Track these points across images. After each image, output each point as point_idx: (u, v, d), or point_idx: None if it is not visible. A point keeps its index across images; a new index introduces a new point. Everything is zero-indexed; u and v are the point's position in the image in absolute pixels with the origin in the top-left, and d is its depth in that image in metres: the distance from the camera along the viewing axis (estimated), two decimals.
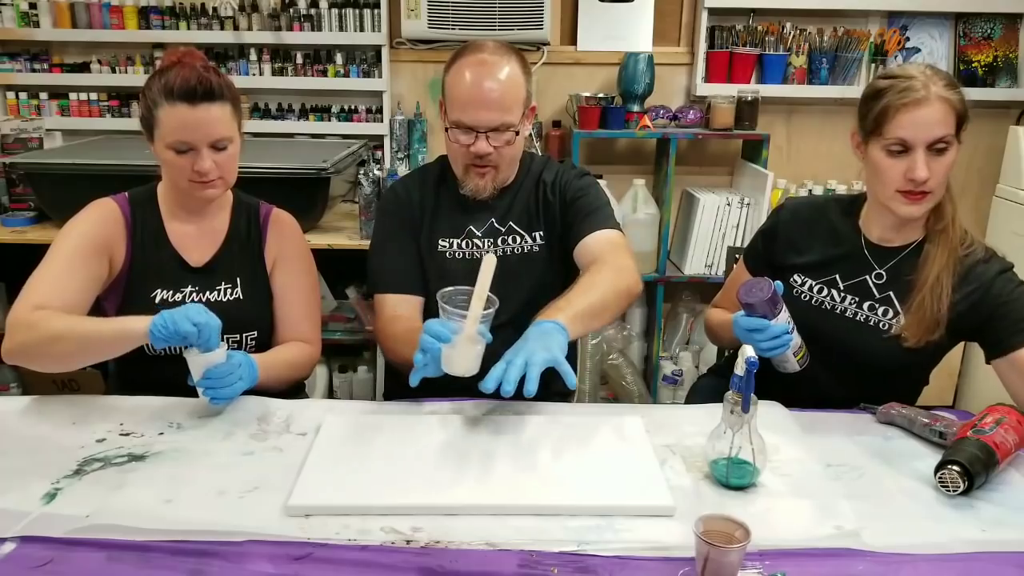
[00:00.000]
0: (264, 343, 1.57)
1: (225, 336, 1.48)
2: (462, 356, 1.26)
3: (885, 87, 1.34)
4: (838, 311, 1.46)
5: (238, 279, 1.55)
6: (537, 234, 1.61)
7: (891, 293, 1.43)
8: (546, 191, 1.62)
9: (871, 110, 1.35)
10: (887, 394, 1.42)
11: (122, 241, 1.49)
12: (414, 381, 1.28)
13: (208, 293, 1.53)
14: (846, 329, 1.45)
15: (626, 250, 1.51)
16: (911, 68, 1.36)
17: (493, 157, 1.51)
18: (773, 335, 1.32)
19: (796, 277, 1.51)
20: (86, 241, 1.44)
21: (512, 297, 1.56)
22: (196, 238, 1.55)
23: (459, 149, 1.52)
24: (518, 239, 1.60)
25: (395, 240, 1.62)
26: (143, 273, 1.50)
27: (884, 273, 1.44)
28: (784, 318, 1.36)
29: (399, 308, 1.57)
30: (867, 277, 1.45)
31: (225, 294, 1.54)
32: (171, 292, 1.50)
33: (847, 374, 1.46)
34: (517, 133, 1.50)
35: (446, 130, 1.52)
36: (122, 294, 1.50)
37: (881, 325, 1.43)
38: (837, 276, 1.47)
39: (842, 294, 1.46)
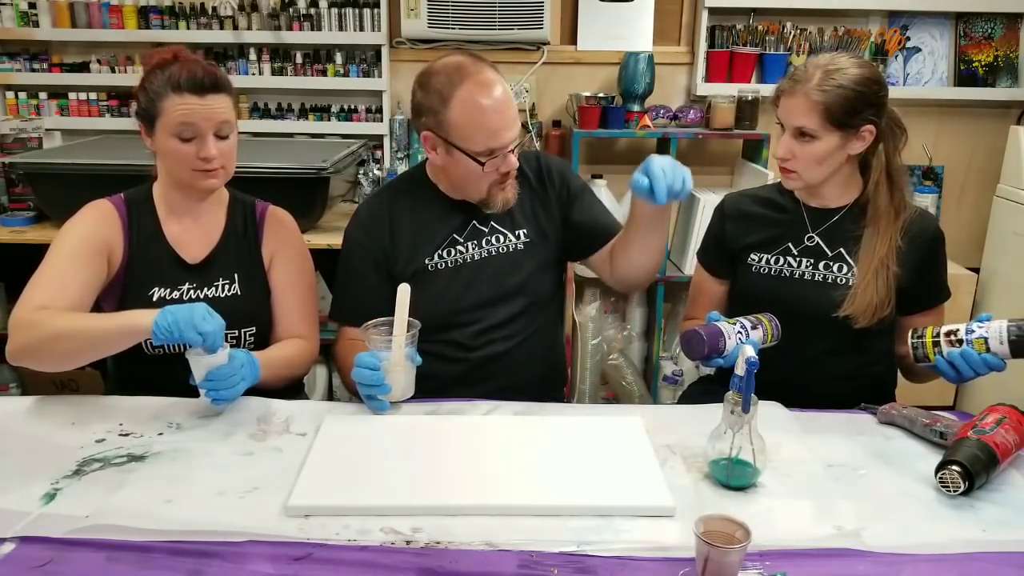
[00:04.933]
0: (262, 339, 1.57)
1: (224, 332, 1.48)
2: (394, 382, 1.35)
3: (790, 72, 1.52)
4: (796, 275, 1.56)
5: (235, 275, 1.55)
6: (521, 232, 1.60)
7: (842, 250, 1.54)
8: (532, 187, 1.62)
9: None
10: (866, 355, 1.55)
11: (119, 241, 1.50)
12: (378, 407, 1.36)
13: (206, 289, 1.53)
14: (807, 290, 1.54)
15: None
16: (817, 60, 1.48)
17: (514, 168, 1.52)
18: (734, 359, 1.34)
19: (752, 256, 1.61)
20: (85, 242, 1.45)
21: (502, 296, 1.57)
22: (193, 236, 1.55)
23: (490, 175, 1.49)
24: (501, 238, 1.59)
25: (360, 274, 1.61)
26: (140, 272, 1.50)
27: (826, 232, 1.55)
28: (732, 344, 1.36)
29: (357, 340, 1.55)
30: (816, 238, 1.56)
31: (223, 290, 1.54)
32: (168, 290, 1.51)
33: (820, 336, 1.53)
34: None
35: (479, 162, 1.46)
36: (119, 294, 1.50)
37: (839, 280, 1.53)
38: (789, 244, 1.58)
39: (797, 259, 1.56)
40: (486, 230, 1.59)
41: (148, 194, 1.56)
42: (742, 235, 1.63)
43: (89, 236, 1.46)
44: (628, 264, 1.57)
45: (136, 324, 1.30)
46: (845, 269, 1.52)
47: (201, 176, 1.46)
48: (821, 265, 1.54)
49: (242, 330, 1.53)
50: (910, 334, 1.38)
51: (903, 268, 1.49)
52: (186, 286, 1.52)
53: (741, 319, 1.41)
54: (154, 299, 1.49)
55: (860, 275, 1.49)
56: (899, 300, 1.50)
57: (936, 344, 1.34)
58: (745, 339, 1.37)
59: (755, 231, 1.62)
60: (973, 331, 1.32)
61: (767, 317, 1.43)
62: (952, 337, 1.33)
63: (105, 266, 1.47)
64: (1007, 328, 1.29)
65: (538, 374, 1.60)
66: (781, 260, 1.57)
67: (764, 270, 1.58)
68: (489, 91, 1.44)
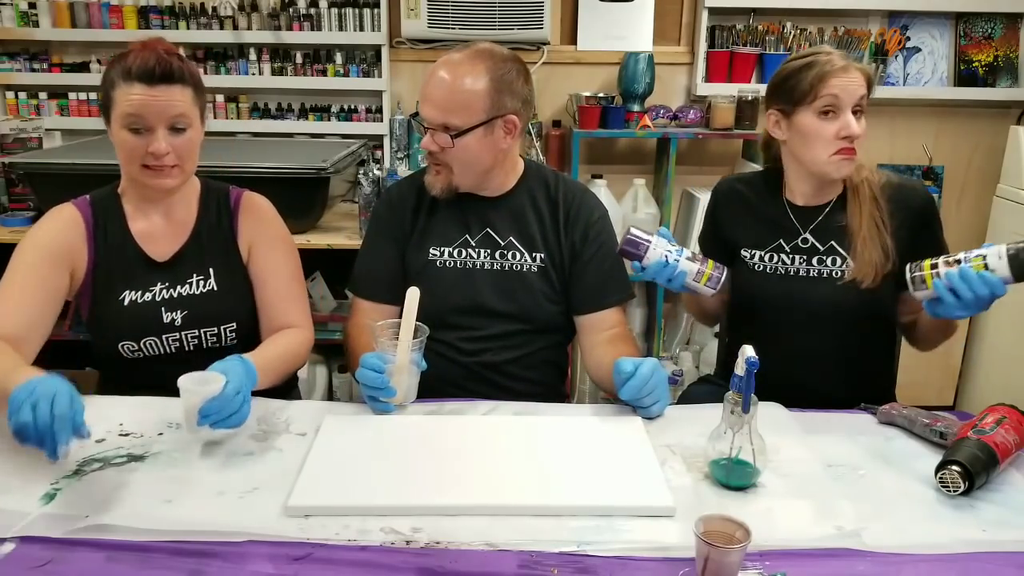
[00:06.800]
0: (245, 334, 1.52)
1: (203, 330, 1.46)
2: (397, 386, 1.34)
3: (811, 60, 1.48)
4: (791, 272, 1.56)
5: (211, 270, 1.48)
6: (539, 256, 1.57)
7: (833, 243, 1.54)
8: (558, 220, 1.58)
9: (801, 80, 1.48)
10: (865, 351, 1.56)
11: (83, 246, 1.44)
12: (381, 409, 1.35)
13: (179, 288, 1.46)
14: (804, 286, 1.54)
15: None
16: (825, 47, 1.52)
17: (440, 156, 1.49)
18: (653, 273, 1.41)
19: (744, 253, 1.61)
20: (42, 255, 1.39)
21: (508, 312, 1.56)
22: (162, 233, 1.48)
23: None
24: (518, 256, 1.57)
25: (379, 247, 1.62)
26: (108, 276, 1.45)
27: (817, 230, 1.56)
28: (657, 255, 1.39)
29: (368, 316, 1.57)
30: (809, 238, 1.56)
31: (197, 287, 1.47)
32: (139, 292, 1.44)
33: (820, 333, 1.54)
34: (455, 137, 1.45)
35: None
36: (90, 299, 1.45)
37: (834, 274, 1.53)
38: (781, 241, 1.58)
39: (791, 255, 1.56)
40: (502, 243, 1.57)
41: (114, 193, 1.48)
42: (735, 230, 1.63)
43: (47, 248, 1.40)
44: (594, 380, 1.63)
45: (6, 390, 1.10)
46: (839, 262, 1.52)
47: (151, 174, 1.37)
48: (815, 260, 1.54)
49: (222, 327, 1.48)
50: (907, 268, 1.35)
51: (898, 236, 1.50)
52: (157, 287, 1.45)
53: (688, 251, 1.42)
54: (125, 303, 1.44)
55: (854, 239, 1.50)
56: (902, 273, 1.48)
57: (934, 269, 1.31)
58: (672, 260, 1.39)
59: (746, 227, 1.62)
60: (972, 252, 1.30)
61: (718, 266, 1.42)
62: (951, 260, 1.30)
63: (66, 277, 1.41)
64: (1006, 247, 1.27)
65: (534, 392, 1.56)
66: (775, 257, 1.57)
67: (759, 267, 1.58)
68: (444, 65, 1.47)
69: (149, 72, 1.32)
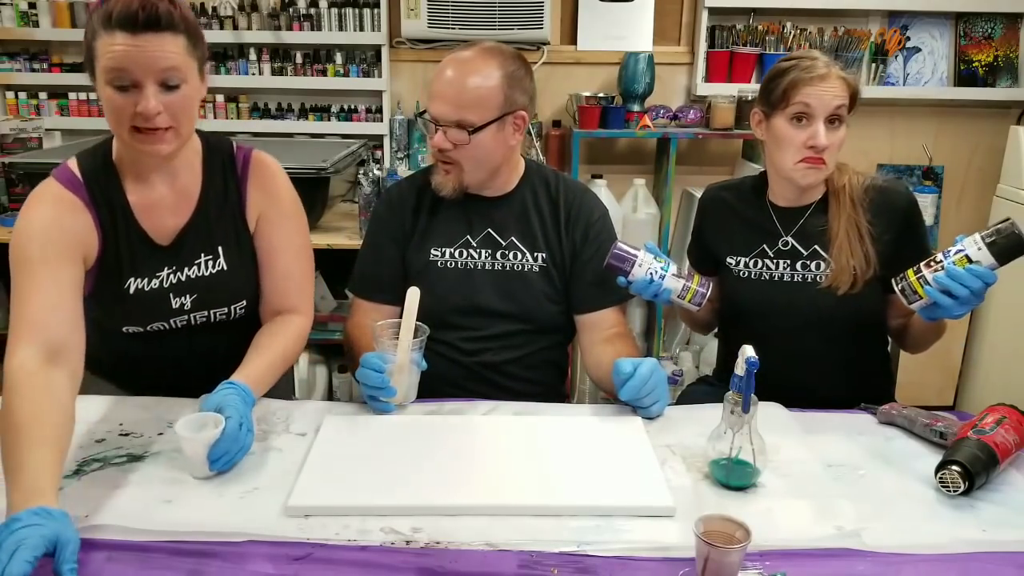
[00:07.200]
0: (253, 309, 1.45)
1: (212, 310, 1.40)
2: (398, 386, 1.33)
3: (792, 65, 1.48)
4: (776, 278, 1.56)
5: (220, 248, 1.37)
6: (540, 255, 1.56)
7: (816, 247, 1.53)
8: (559, 219, 1.57)
9: (778, 85, 1.48)
10: (861, 353, 1.57)
11: (92, 233, 1.28)
12: (382, 409, 1.35)
13: (186, 270, 1.35)
14: (788, 292, 1.55)
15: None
16: (814, 52, 1.52)
17: (452, 154, 1.48)
18: (639, 289, 1.43)
19: (730, 260, 1.61)
20: (56, 248, 1.22)
21: (508, 312, 1.56)
22: (165, 204, 1.33)
23: (430, 140, 1.52)
24: (519, 255, 1.56)
25: (379, 247, 1.62)
26: (114, 262, 1.31)
27: (799, 233, 1.55)
28: (642, 272, 1.41)
29: (368, 316, 1.56)
30: (789, 240, 1.56)
31: (206, 267, 1.35)
32: (145, 280, 1.33)
33: (811, 336, 1.54)
34: (471, 133, 1.45)
35: (421, 116, 1.54)
36: (93, 282, 1.31)
37: (817, 279, 1.53)
38: (765, 246, 1.57)
39: (775, 261, 1.56)
40: (504, 243, 1.57)
41: (106, 160, 1.31)
42: (721, 238, 1.63)
43: (58, 239, 1.22)
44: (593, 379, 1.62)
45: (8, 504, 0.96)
46: (822, 266, 1.52)
47: (142, 137, 1.20)
48: (798, 265, 1.54)
49: (232, 306, 1.41)
50: (893, 283, 1.35)
51: (882, 241, 1.49)
52: (164, 271, 1.34)
53: (674, 266, 1.43)
54: (131, 291, 1.32)
55: (832, 243, 1.49)
56: (888, 276, 1.47)
57: (920, 277, 1.31)
58: (658, 278, 1.41)
59: (731, 233, 1.61)
60: (951, 251, 1.29)
61: (703, 282, 1.43)
62: (933, 264, 1.30)
63: (82, 266, 1.27)
64: (980, 236, 1.27)
65: (534, 392, 1.55)
66: (759, 263, 1.57)
67: (744, 274, 1.58)
68: (455, 62, 1.47)
69: (132, 17, 1.13)
